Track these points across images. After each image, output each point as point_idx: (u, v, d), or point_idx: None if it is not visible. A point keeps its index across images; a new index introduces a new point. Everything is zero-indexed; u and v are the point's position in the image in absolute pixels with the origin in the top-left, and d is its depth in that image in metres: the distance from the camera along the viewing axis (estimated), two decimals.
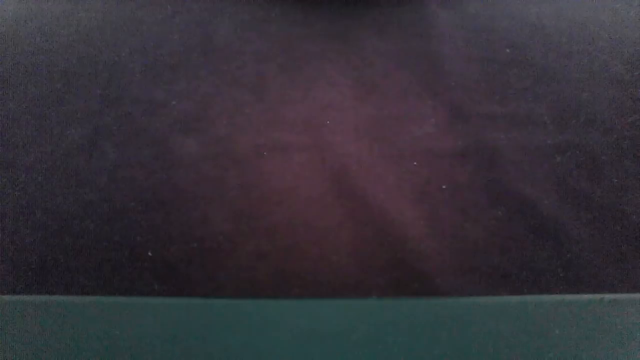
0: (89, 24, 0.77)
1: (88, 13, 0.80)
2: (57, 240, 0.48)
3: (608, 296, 0.36)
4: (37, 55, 0.71)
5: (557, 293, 0.44)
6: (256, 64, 0.70)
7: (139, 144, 0.58)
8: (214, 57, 0.71)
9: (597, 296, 0.37)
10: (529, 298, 0.40)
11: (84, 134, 0.59)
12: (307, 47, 0.72)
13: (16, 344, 0.33)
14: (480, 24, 0.76)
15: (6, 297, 0.39)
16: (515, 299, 0.40)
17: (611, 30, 0.74)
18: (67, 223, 0.49)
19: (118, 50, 0.72)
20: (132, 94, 0.65)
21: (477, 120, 0.61)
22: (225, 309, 0.37)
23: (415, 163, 0.55)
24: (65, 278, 0.45)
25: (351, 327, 0.34)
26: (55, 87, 0.66)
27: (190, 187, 0.53)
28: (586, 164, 0.55)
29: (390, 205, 0.51)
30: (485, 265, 0.46)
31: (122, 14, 0.79)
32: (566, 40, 0.73)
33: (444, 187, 0.53)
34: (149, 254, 0.47)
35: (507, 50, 0.71)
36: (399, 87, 0.66)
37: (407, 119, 0.61)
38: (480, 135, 0.59)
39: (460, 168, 0.55)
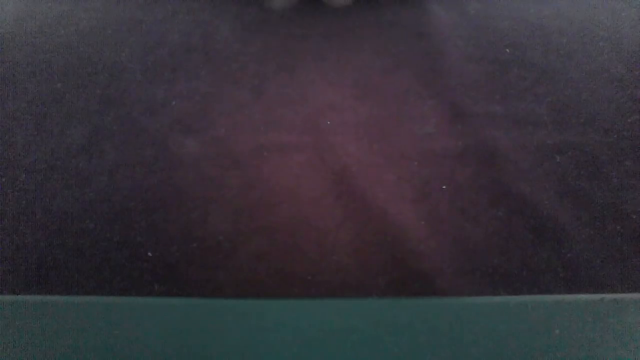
0: (89, 24, 0.77)
1: (88, 13, 0.80)
2: (57, 240, 0.48)
3: (608, 296, 0.36)
4: (37, 55, 0.71)
5: (557, 293, 0.44)
6: (256, 64, 0.70)
7: (139, 144, 0.58)
8: (214, 57, 0.71)
9: (597, 296, 0.37)
10: (529, 298, 0.40)
11: (84, 134, 0.59)
12: (307, 48, 0.72)
13: (16, 344, 0.33)
14: (480, 24, 0.76)
15: (6, 297, 0.39)
16: (515, 299, 0.40)
17: (611, 30, 0.74)
18: (67, 223, 0.49)
19: (118, 50, 0.72)
20: (132, 94, 0.65)
21: (477, 120, 0.61)
22: (225, 309, 0.37)
23: (415, 163, 0.55)
24: (65, 278, 0.45)
25: (351, 327, 0.34)
26: (55, 87, 0.66)
27: (190, 187, 0.53)
28: (586, 164, 0.55)
29: (390, 206, 0.51)
30: (485, 265, 0.46)
31: (122, 14, 0.79)
32: (566, 40, 0.73)
33: (444, 187, 0.53)
34: (149, 254, 0.47)
35: (507, 50, 0.71)
36: (399, 87, 0.66)
37: (407, 119, 0.61)
38: (481, 135, 0.59)
39: (461, 168, 0.55)
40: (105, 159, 0.56)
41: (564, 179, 0.53)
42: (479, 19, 0.77)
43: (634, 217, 0.50)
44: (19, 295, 0.43)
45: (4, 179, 0.54)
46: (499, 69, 0.68)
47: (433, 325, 0.35)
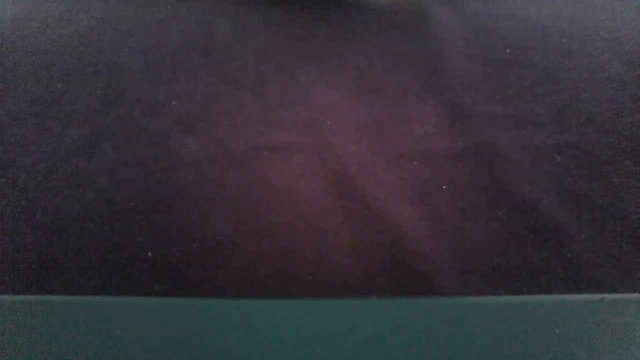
0: (89, 24, 0.77)
1: (88, 13, 0.80)
2: (57, 240, 0.48)
3: (608, 296, 0.36)
4: (37, 55, 0.71)
5: (557, 293, 0.44)
6: (256, 64, 0.70)
7: (139, 144, 0.58)
8: (214, 57, 0.71)
9: (597, 296, 0.37)
10: (529, 298, 0.40)
11: (84, 134, 0.59)
12: (307, 47, 0.72)
13: (16, 344, 0.33)
14: (480, 24, 0.76)
15: (6, 297, 0.39)
16: (515, 299, 0.40)
17: (611, 30, 0.74)
18: (67, 223, 0.49)
19: (118, 50, 0.72)
20: (132, 94, 0.65)
21: (477, 120, 0.61)
22: (225, 309, 0.37)
23: (415, 163, 0.55)
24: (65, 278, 0.45)
25: (351, 327, 0.34)
26: (55, 87, 0.66)
27: (190, 187, 0.53)
28: (586, 164, 0.55)
29: (390, 206, 0.51)
30: (485, 265, 0.46)
31: (122, 14, 0.79)
32: (566, 40, 0.73)
33: (444, 187, 0.53)
34: (149, 254, 0.47)
35: (507, 50, 0.71)
36: (399, 87, 0.66)
37: (407, 119, 0.61)
38: (481, 135, 0.59)
39: (461, 168, 0.55)
40: (105, 159, 0.56)
41: (564, 179, 0.53)
42: (479, 19, 0.77)
43: (634, 217, 0.50)
44: (19, 295, 0.43)
45: (4, 179, 0.54)
46: (499, 69, 0.68)
47: (433, 325, 0.35)
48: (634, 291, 0.44)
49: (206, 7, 0.80)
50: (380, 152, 0.57)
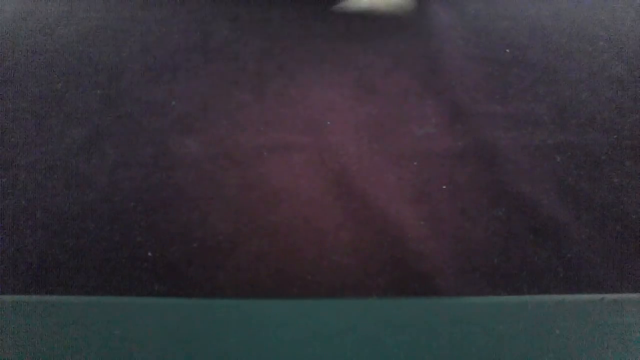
0: (89, 24, 0.77)
1: (88, 13, 0.80)
2: (57, 240, 0.48)
3: (608, 296, 0.36)
4: (37, 55, 0.71)
5: (557, 293, 0.44)
6: (256, 64, 0.70)
7: (139, 144, 0.58)
8: (214, 57, 0.71)
9: (597, 296, 0.37)
10: (529, 298, 0.40)
11: (84, 134, 0.59)
12: (307, 48, 0.72)
13: (16, 344, 0.33)
14: (480, 24, 0.76)
15: (6, 297, 0.39)
16: (515, 299, 0.40)
17: (611, 30, 0.74)
18: (67, 223, 0.49)
19: (118, 50, 0.72)
20: (132, 94, 0.65)
21: (477, 120, 0.61)
22: (225, 309, 0.37)
23: (415, 163, 0.55)
24: (65, 278, 0.45)
25: (351, 327, 0.34)
26: (55, 87, 0.66)
27: (190, 187, 0.53)
28: (586, 164, 0.55)
29: (391, 206, 0.51)
30: (485, 265, 0.46)
31: (122, 14, 0.79)
32: (566, 40, 0.73)
33: (444, 187, 0.53)
34: (149, 254, 0.47)
35: (507, 50, 0.71)
36: (399, 87, 0.66)
37: (407, 119, 0.61)
38: (481, 135, 0.59)
39: (461, 168, 0.55)
40: (105, 159, 0.56)
41: (564, 179, 0.53)
42: (479, 19, 0.77)
43: (634, 217, 0.50)
44: (19, 295, 0.43)
45: (4, 179, 0.54)
46: (499, 69, 0.68)
47: (433, 325, 0.35)
48: (634, 291, 0.44)
49: (206, 7, 0.80)
50: (380, 152, 0.57)
